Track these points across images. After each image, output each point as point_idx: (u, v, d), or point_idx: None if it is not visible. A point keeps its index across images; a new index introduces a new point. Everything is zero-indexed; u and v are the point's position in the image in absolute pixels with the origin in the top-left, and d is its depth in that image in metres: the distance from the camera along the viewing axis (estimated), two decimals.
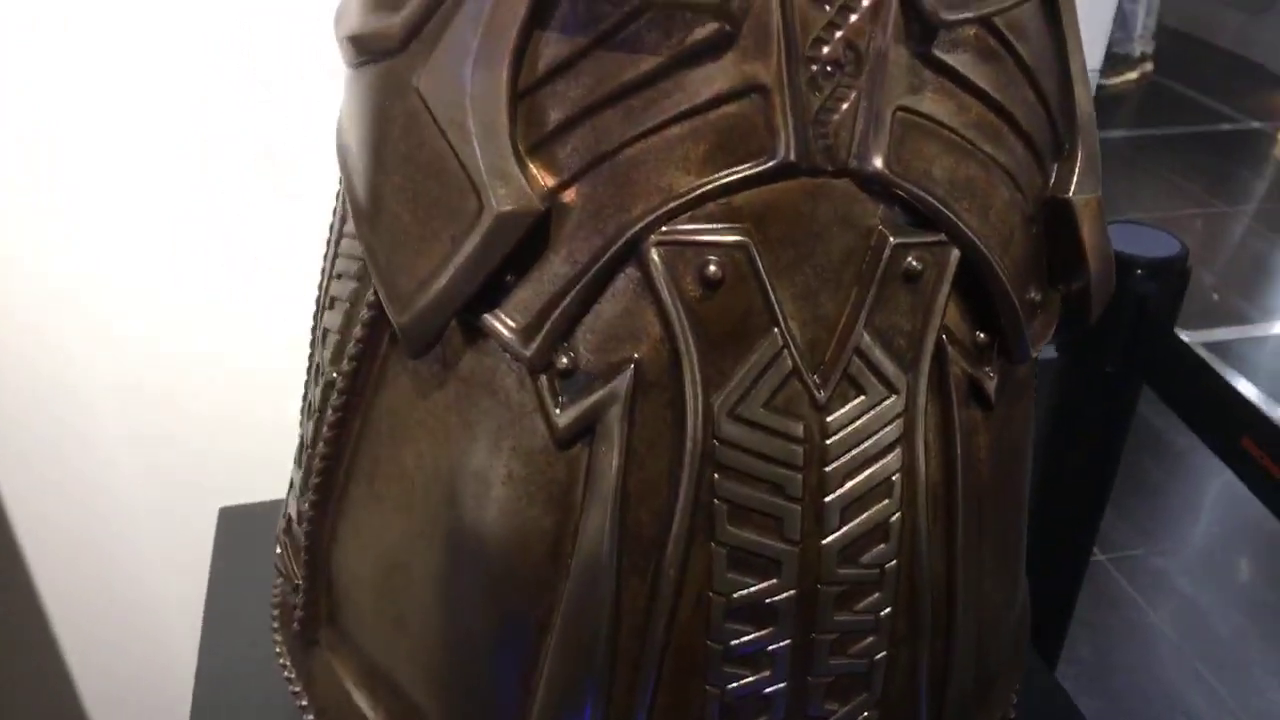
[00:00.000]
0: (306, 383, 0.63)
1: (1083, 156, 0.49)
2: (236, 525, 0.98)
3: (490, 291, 0.46)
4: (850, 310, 0.46)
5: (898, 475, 0.49)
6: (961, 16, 0.43)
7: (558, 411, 0.47)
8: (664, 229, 0.45)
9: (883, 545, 0.49)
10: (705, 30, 0.42)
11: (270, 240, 1.04)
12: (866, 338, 0.47)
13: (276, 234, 1.03)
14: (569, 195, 0.45)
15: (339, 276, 0.56)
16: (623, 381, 0.46)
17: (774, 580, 0.49)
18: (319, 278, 0.66)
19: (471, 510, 0.50)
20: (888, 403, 0.48)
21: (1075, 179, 0.49)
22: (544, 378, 0.47)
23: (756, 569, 0.48)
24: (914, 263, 0.46)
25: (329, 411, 0.55)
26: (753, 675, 0.50)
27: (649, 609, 0.48)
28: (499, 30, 0.43)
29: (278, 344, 1.03)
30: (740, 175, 0.44)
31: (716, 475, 0.47)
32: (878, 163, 0.44)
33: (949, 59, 0.45)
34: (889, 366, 0.47)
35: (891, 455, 0.48)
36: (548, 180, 0.45)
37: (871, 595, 0.50)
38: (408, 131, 0.47)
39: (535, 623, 0.50)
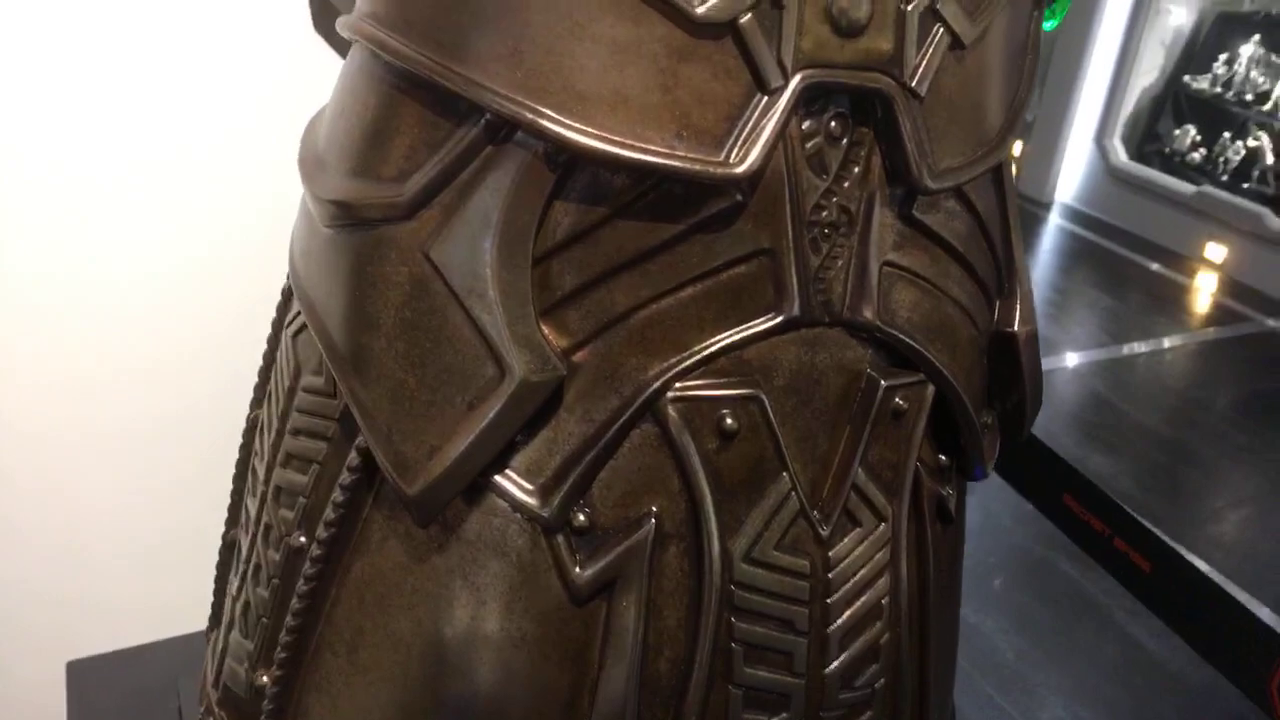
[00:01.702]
0: (243, 542, 0.59)
1: (1021, 294, 0.55)
2: (88, 679, 0.90)
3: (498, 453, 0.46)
4: (846, 449, 0.49)
5: (887, 598, 0.52)
6: (943, 185, 0.47)
7: (577, 570, 0.47)
8: (679, 385, 0.46)
9: (874, 666, 0.52)
10: (721, 200, 0.44)
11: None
12: (861, 474, 0.50)
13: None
14: (580, 355, 0.46)
15: (297, 433, 0.54)
16: (644, 535, 0.47)
17: (784, 714, 0.50)
18: (245, 425, 0.62)
19: (481, 676, 0.48)
20: (879, 531, 0.51)
21: (1017, 314, 0.55)
22: (560, 536, 0.47)
23: (768, 705, 0.50)
24: (900, 401, 0.50)
25: (300, 580, 0.52)
26: None
27: None
28: (523, 203, 0.43)
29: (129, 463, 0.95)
30: (751, 331, 0.46)
31: (733, 618, 0.48)
32: (868, 313, 0.48)
33: (924, 218, 0.49)
34: (879, 498, 0.50)
35: (882, 580, 0.51)
36: (559, 343, 0.45)
37: (864, 715, 0.53)
38: (414, 298, 0.46)
39: None
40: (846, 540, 0.50)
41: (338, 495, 0.50)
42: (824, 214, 0.46)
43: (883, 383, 0.49)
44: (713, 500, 0.47)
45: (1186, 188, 4.04)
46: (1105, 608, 2.47)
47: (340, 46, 0.71)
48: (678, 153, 0.43)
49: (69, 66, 0.86)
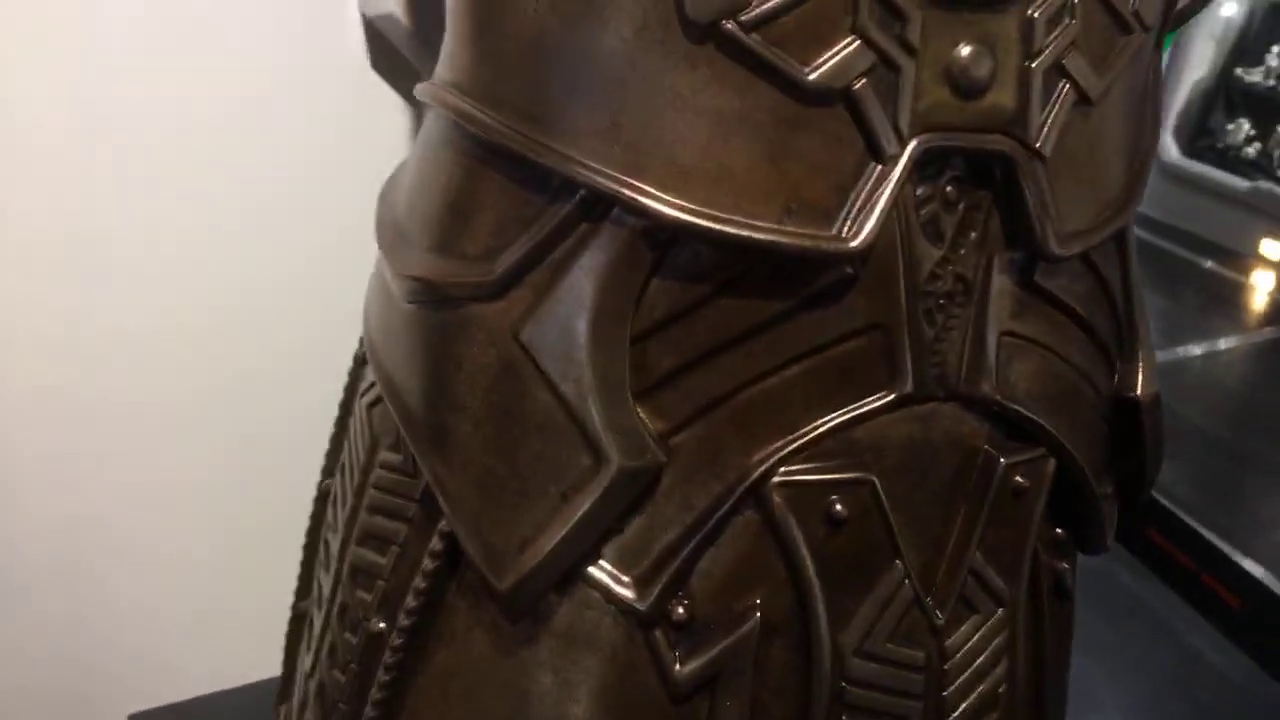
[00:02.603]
0: (316, 619, 0.57)
1: (1144, 356, 0.51)
2: None
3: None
4: (961, 531, 0.46)
5: (1004, 686, 0.48)
6: (1071, 251, 0.44)
7: (677, 666, 0.44)
8: (784, 469, 0.43)
9: None
10: (830, 274, 0.41)
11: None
12: (979, 557, 0.46)
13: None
14: (678, 439, 0.43)
15: (374, 511, 0.51)
16: (749, 629, 0.44)
17: None
18: (316, 493, 0.60)
19: None
20: (997, 616, 0.48)
21: (1141, 378, 0.51)
22: (658, 630, 0.44)
23: None
24: (1020, 479, 0.46)
25: (381, 669, 0.49)
26: None
27: None
28: (619, 283, 0.41)
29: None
30: (862, 411, 0.43)
31: (844, 716, 0.45)
32: (986, 387, 0.45)
33: (1047, 284, 0.45)
34: (997, 581, 0.47)
35: (999, 667, 0.48)
36: (657, 426, 0.43)
37: None
38: (502, 382, 0.43)
39: None
40: (963, 629, 0.47)
41: (420, 582, 0.48)
42: (939, 284, 0.43)
43: (1002, 460, 0.46)
44: (822, 591, 0.44)
45: (1241, 183, 3.91)
46: (1166, 620, 2.41)
47: (403, 90, 0.69)
48: (787, 228, 0.40)
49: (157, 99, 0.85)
